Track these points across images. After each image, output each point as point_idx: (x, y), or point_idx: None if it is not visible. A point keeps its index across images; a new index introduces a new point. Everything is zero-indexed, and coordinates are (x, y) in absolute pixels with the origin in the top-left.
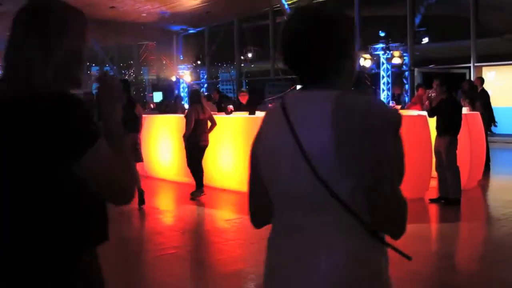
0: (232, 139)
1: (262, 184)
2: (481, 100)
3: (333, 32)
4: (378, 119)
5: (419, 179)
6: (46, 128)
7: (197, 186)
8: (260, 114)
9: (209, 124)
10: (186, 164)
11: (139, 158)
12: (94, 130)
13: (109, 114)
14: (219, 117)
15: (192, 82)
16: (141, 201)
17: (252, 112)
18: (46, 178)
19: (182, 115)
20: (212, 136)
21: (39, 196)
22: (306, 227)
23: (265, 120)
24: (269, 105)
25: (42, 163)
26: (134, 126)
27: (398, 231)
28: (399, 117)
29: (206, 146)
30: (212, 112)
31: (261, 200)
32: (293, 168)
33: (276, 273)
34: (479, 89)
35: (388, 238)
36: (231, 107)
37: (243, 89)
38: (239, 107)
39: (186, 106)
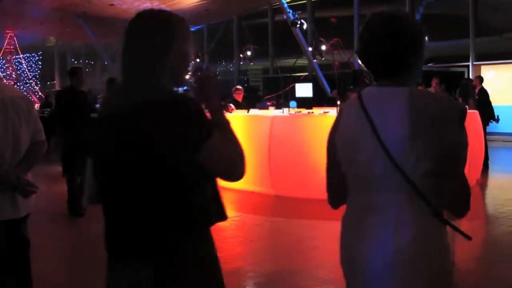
0: None
1: (339, 168)
2: (473, 98)
3: (407, 36)
4: (447, 110)
5: None
6: (174, 126)
7: None
8: (256, 112)
9: None
10: None
11: None
12: (209, 124)
13: (213, 106)
14: None
15: (190, 80)
16: None
17: (248, 110)
18: (172, 166)
19: None
20: None
21: (162, 183)
22: (381, 206)
23: (342, 112)
24: (268, 103)
25: (169, 154)
26: None
27: (463, 210)
28: (464, 109)
29: None
30: None
31: (338, 183)
32: (371, 154)
33: (352, 248)
34: (478, 88)
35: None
36: (232, 106)
37: (238, 86)
38: (235, 105)
39: None
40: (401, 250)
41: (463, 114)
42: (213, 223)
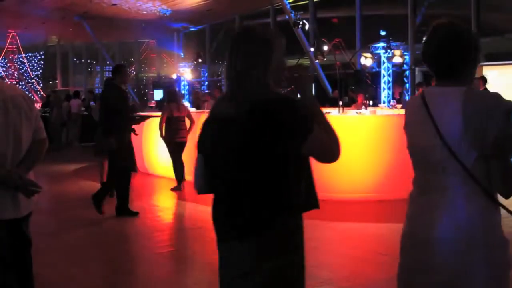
0: None
1: None
2: None
3: (463, 47)
4: (494, 106)
5: None
6: (284, 122)
7: (178, 181)
8: None
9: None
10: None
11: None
12: (311, 118)
13: (311, 100)
14: None
15: (192, 80)
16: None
17: None
18: (280, 158)
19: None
20: None
21: (271, 173)
22: (439, 187)
23: (409, 109)
24: None
25: (279, 147)
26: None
27: (510, 191)
28: (510, 104)
29: (183, 142)
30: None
31: None
32: (431, 143)
33: (415, 222)
34: (482, 88)
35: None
36: None
37: None
38: None
39: (186, 103)
40: (457, 227)
41: (510, 109)
42: (308, 210)
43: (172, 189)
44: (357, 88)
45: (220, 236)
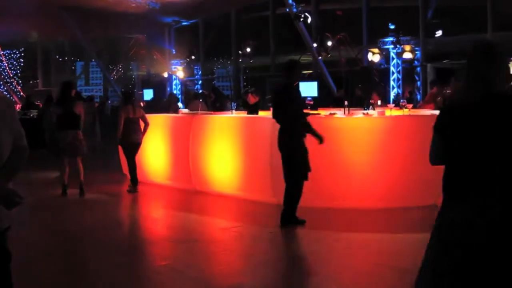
0: (231, 140)
1: None
2: None
3: None
4: None
5: (431, 185)
6: None
7: (132, 182)
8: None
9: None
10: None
11: (81, 152)
12: None
13: None
14: (217, 117)
15: (185, 78)
16: (81, 193)
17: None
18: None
19: (174, 114)
20: (207, 137)
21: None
22: None
23: None
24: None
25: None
26: (73, 124)
27: None
28: None
29: (137, 143)
30: (205, 112)
31: None
32: None
33: None
34: (506, 86)
35: None
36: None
37: (254, 89)
38: (245, 107)
39: (180, 105)
40: None
41: None
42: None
43: (128, 191)
44: (365, 86)
45: (454, 196)
